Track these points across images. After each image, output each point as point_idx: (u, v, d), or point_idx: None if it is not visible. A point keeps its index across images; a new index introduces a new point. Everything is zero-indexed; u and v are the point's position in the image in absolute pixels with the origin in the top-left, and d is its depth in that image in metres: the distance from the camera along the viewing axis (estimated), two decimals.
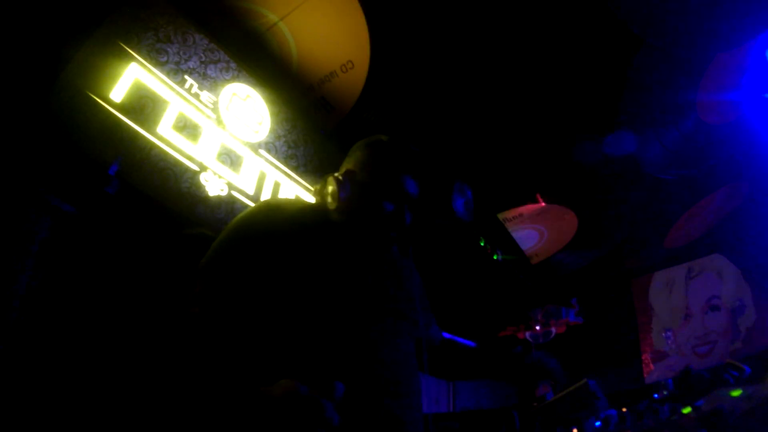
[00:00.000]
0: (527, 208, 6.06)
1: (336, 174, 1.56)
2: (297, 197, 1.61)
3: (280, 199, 1.72)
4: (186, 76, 3.09)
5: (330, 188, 1.51)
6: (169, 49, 3.01)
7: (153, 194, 2.76)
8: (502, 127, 4.67)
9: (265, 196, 3.40)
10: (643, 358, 7.45)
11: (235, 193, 3.21)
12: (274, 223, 1.41)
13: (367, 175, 1.55)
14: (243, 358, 1.21)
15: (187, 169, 2.96)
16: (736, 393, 3.79)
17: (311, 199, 1.81)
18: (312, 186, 1.62)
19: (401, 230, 1.54)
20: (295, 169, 3.73)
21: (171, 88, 2.97)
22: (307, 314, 1.31)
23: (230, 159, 3.25)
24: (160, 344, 2.35)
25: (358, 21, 3.53)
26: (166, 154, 2.86)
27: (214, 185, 3.09)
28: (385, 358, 1.35)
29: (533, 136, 4.89)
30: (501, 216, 6.01)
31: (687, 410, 3.93)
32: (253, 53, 3.59)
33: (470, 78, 4.12)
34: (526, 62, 4.07)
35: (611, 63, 4.24)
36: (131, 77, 2.76)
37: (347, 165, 1.61)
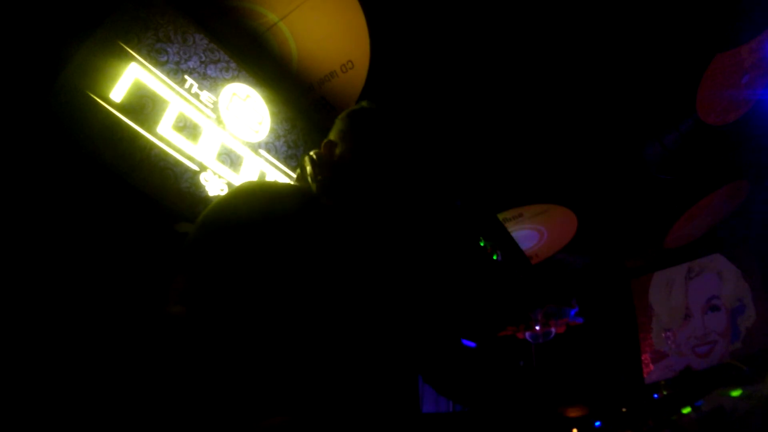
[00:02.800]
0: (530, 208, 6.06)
1: (311, 152, 1.39)
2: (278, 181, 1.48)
3: (262, 181, 1.48)
4: (186, 76, 3.09)
5: (308, 168, 1.35)
6: (169, 49, 3.01)
7: (153, 194, 2.76)
8: (502, 126, 4.67)
9: None
10: (642, 358, 7.45)
11: None
12: (258, 208, 1.23)
13: (348, 149, 1.35)
14: (233, 371, 1.06)
15: (187, 169, 2.96)
16: (736, 393, 3.79)
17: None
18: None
19: (391, 208, 1.34)
20: (294, 169, 3.73)
21: (171, 87, 2.97)
22: (296, 318, 1.14)
23: (230, 159, 3.25)
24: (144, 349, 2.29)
25: (358, 21, 3.53)
26: (166, 154, 2.86)
27: (214, 185, 3.09)
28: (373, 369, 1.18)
29: (533, 137, 4.89)
30: (501, 216, 6.01)
31: (687, 410, 3.93)
32: (253, 53, 3.59)
33: (470, 78, 4.12)
34: (525, 61, 4.07)
35: (609, 61, 4.24)
36: (131, 77, 2.76)
37: (329, 136, 1.43)
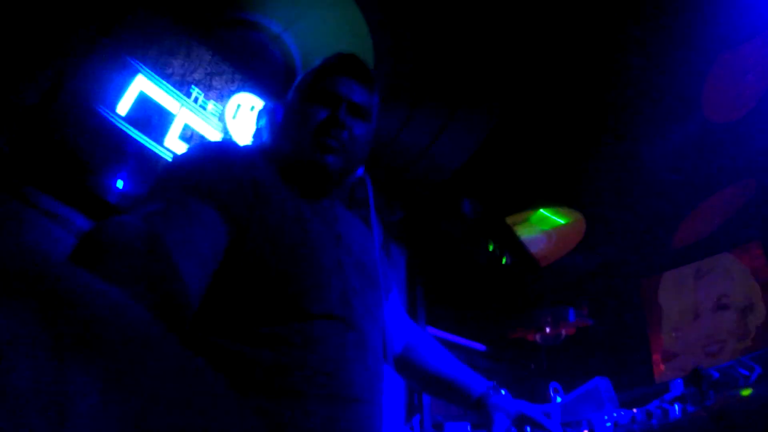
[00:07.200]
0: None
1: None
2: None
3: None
4: (192, 88, 3.12)
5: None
6: (174, 61, 3.04)
7: None
8: (507, 129, 4.67)
9: None
10: (653, 358, 7.42)
11: None
12: (223, 157, 1.09)
13: (297, 91, 1.30)
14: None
15: None
16: (746, 392, 3.76)
17: None
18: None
19: (342, 139, 1.23)
20: None
21: (177, 99, 3.00)
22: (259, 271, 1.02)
23: None
24: None
25: (360, 30, 3.55)
26: None
27: None
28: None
29: (540, 139, 4.89)
30: (509, 220, 6.01)
31: (697, 410, 3.91)
32: (257, 64, 3.62)
33: (471, 82, 4.13)
34: (528, 63, 4.08)
35: (615, 61, 4.24)
36: (137, 89, 2.79)
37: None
